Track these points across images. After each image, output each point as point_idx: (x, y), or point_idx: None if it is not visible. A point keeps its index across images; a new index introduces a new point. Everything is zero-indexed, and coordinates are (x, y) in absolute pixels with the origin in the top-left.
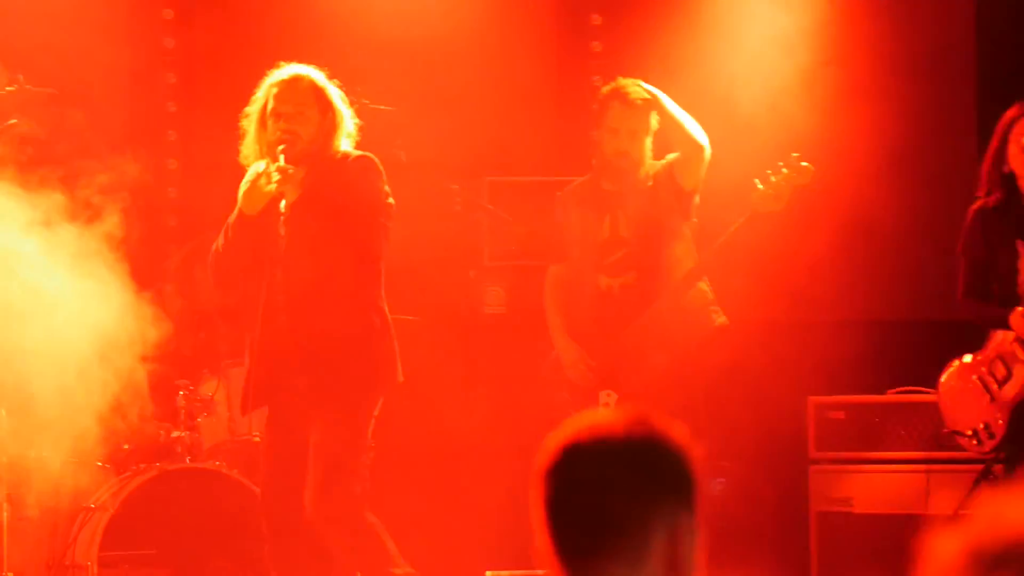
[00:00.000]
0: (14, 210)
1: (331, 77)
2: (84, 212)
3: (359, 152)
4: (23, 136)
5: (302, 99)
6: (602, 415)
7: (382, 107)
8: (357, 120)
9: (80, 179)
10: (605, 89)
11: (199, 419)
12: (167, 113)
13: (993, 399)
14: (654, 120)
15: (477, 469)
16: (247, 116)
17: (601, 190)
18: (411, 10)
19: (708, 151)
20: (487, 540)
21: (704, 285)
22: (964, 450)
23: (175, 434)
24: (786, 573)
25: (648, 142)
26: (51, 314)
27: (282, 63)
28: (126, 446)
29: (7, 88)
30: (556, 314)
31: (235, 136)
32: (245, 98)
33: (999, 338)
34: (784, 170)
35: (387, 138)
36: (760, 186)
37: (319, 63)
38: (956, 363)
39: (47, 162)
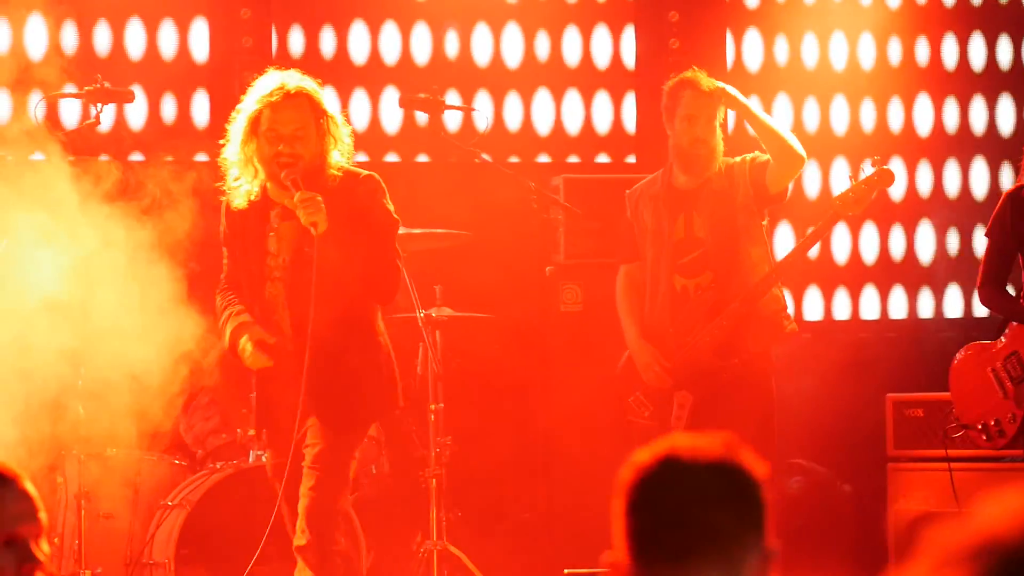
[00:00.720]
0: (93, 209)
1: (405, 76)
2: (160, 210)
3: (362, 170)
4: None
5: (303, 117)
6: (691, 438)
7: (460, 106)
8: (350, 129)
9: (155, 176)
10: (672, 81)
11: None
12: None
13: (1006, 396)
14: (722, 112)
15: (552, 467)
16: (234, 120)
17: (674, 188)
18: (488, 8)
19: (806, 160)
20: (564, 538)
21: (778, 290)
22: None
23: (251, 432)
24: (864, 572)
25: (720, 131)
26: (126, 313)
27: (270, 68)
28: (200, 452)
29: (86, 88)
30: (629, 315)
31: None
32: (327, 96)
33: (1016, 332)
34: (866, 173)
35: (466, 137)
36: (847, 185)
37: (396, 63)
38: (970, 351)
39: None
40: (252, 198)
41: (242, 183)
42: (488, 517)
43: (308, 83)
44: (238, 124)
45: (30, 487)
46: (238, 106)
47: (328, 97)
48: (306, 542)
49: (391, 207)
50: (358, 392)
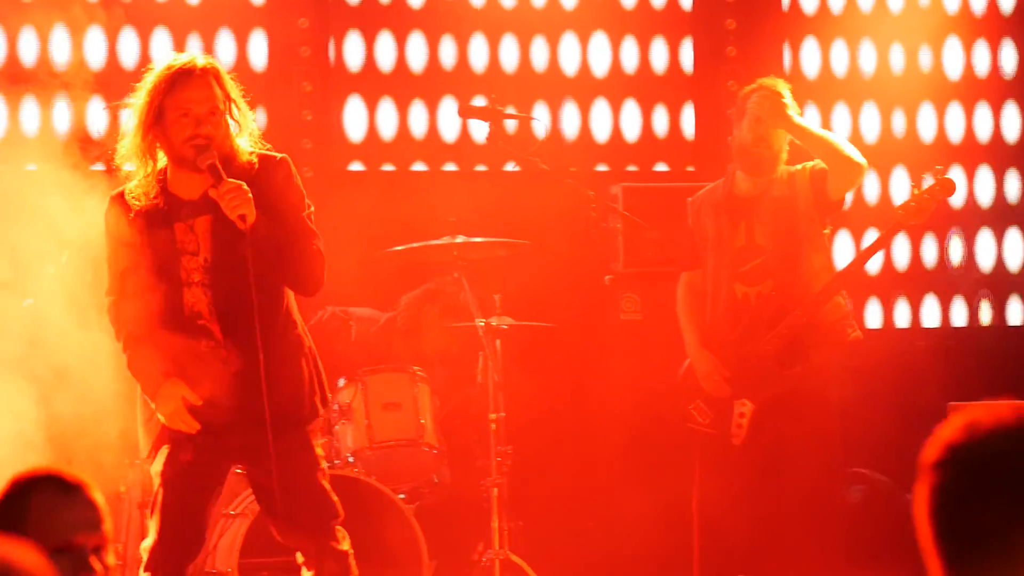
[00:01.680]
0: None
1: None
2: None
3: (276, 153)
4: None
5: (214, 96)
6: (982, 408)
7: (518, 115)
8: (253, 115)
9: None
10: (747, 88)
11: (337, 426)
12: (303, 121)
13: None
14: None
15: (613, 475)
16: (130, 108)
17: (735, 196)
18: (546, 17)
19: (867, 168)
20: (625, 546)
21: (840, 298)
22: None
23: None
24: None
25: (785, 137)
26: None
27: (172, 51)
28: None
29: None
30: (690, 322)
31: (363, 149)
32: (386, 105)
33: None
34: (927, 183)
35: (523, 143)
36: (904, 198)
37: (453, 71)
38: None
39: None
40: (153, 194)
41: (140, 177)
42: (550, 526)
43: (216, 62)
44: (136, 109)
45: (98, 497)
46: (133, 90)
47: (231, 79)
48: None
49: (303, 189)
50: (297, 396)
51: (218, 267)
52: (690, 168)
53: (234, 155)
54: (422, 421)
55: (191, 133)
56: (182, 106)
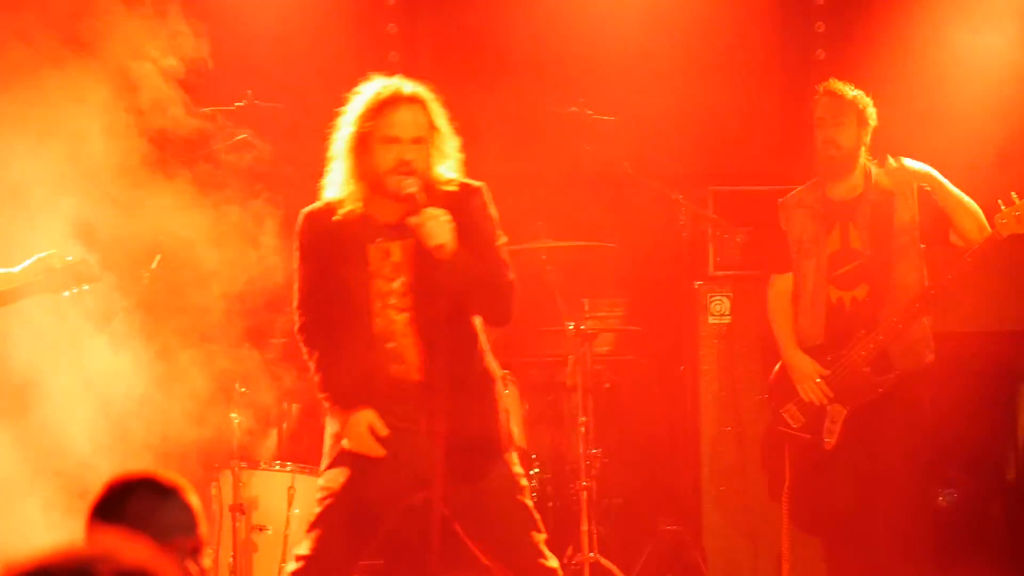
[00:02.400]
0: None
1: (551, 86)
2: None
3: (471, 181)
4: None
5: (420, 124)
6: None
7: (606, 117)
8: (458, 142)
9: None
10: (820, 89)
11: None
12: None
13: None
14: (868, 121)
15: (702, 478)
16: (337, 129)
17: (829, 199)
18: (635, 19)
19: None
20: (716, 549)
21: (926, 319)
22: None
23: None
24: None
25: (860, 136)
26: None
27: (373, 75)
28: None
29: (236, 103)
30: (783, 326)
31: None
32: (471, 113)
33: None
34: None
35: (611, 149)
36: (1004, 208)
37: (540, 73)
38: None
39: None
40: (351, 215)
41: (340, 197)
42: (639, 529)
43: (422, 89)
44: (344, 132)
45: (194, 500)
46: (340, 111)
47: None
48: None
49: (497, 218)
50: (493, 425)
51: (414, 292)
52: (779, 171)
53: (435, 182)
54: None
55: (396, 160)
56: (388, 133)
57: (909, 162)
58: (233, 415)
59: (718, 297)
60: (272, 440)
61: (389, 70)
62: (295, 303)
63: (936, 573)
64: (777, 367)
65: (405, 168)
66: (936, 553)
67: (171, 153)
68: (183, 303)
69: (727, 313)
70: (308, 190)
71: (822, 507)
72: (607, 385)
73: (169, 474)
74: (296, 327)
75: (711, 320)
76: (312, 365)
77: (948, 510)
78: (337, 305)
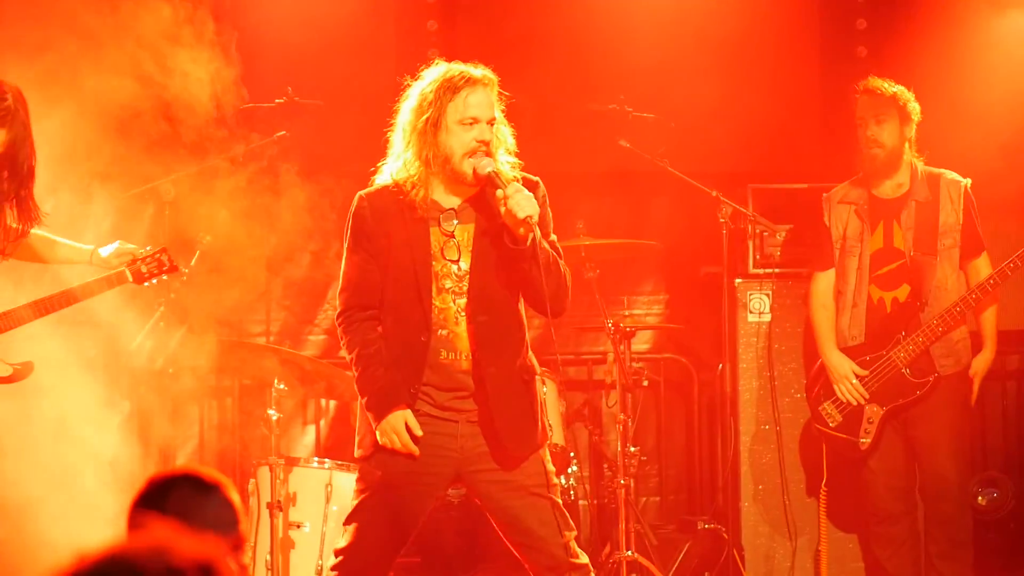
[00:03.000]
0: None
1: (590, 85)
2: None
3: (529, 175)
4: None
5: (492, 104)
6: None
7: (646, 115)
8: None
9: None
10: (860, 87)
11: None
12: None
13: None
14: (911, 116)
15: (743, 477)
16: (405, 113)
17: (874, 197)
18: (674, 16)
19: None
20: (752, 547)
21: (965, 326)
22: None
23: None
24: None
25: (903, 132)
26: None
27: (439, 60)
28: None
29: (276, 100)
30: (823, 324)
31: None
32: (510, 110)
33: None
34: None
35: (650, 146)
36: None
37: (580, 69)
38: None
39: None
40: (413, 197)
41: (402, 178)
42: (677, 527)
43: (490, 72)
44: (411, 114)
45: (234, 497)
46: (407, 95)
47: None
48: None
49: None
50: (532, 419)
51: (475, 276)
52: (819, 169)
53: (499, 170)
54: (548, 421)
55: (474, 141)
56: (467, 114)
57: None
58: (271, 411)
59: (757, 295)
60: (310, 437)
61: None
62: (340, 288)
63: (976, 572)
64: (817, 365)
65: (482, 148)
66: (976, 552)
67: (212, 149)
68: (222, 298)
69: (766, 311)
70: (348, 185)
71: (859, 505)
72: (646, 383)
73: (210, 471)
74: (338, 313)
75: (750, 318)
76: (351, 356)
77: (988, 510)
78: (392, 290)
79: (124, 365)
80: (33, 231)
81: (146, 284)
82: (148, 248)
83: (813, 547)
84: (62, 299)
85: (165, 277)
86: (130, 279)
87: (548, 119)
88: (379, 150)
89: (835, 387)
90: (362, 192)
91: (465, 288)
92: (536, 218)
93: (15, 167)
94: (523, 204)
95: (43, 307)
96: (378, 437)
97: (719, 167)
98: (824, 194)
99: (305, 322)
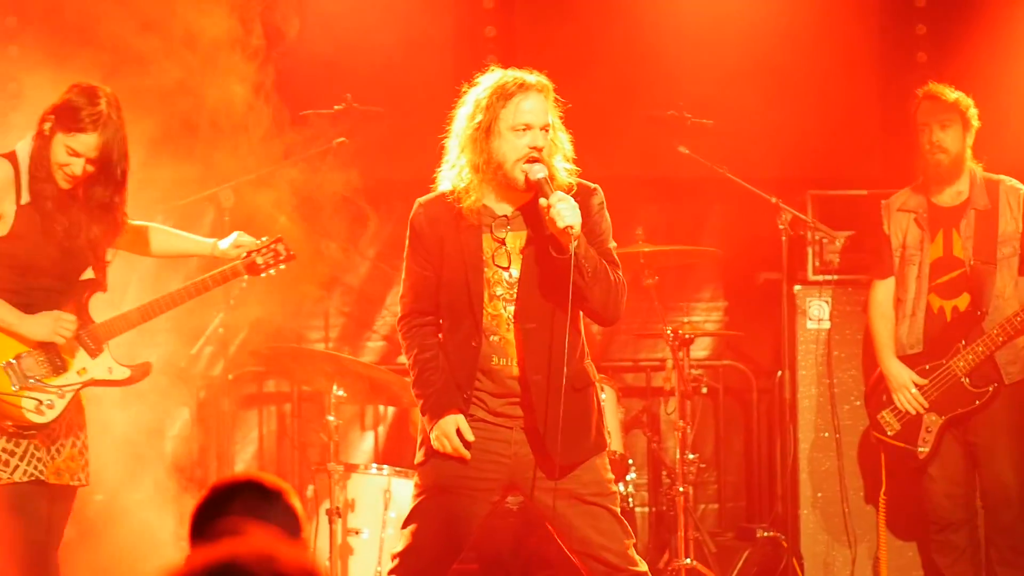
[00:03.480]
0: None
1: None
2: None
3: (587, 182)
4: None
5: (546, 110)
6: None
7: (704, 121)
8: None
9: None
10: (920, 93)
11: None
12: None
13: None
14: (971, 123)
15: (802, 484)
16: (460, 120)
17: (934, 205)
18: (733, 22)
19: None
20: (811, 555)
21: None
22: None
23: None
24: None
25: (964, 139)
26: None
27: (495, 67)
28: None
29: (336, 106)
30: (884, 332)
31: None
32: (569, 116)
33: None
34: None
35: (709, 152)
36: None
37: (638, 75)
38: None
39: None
40: (468, 205)
41: (457, 187)
42: (736, 535)
43: (545, 78)
44: (467, 122)
45: (296, 503)
46: (462, 102)
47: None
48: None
49: (610, 222)
50: (587, 427)
51: (525, 284)
52: (878, 175)
53: (554, 176)
54: (607, 429)
55: (527, 148)
56: (520, 120)
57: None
58: (330, 418)
59: (817, 301)
60: (368, 443)
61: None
62: (400, 293)
63: None
64: (877, 372)
65: (535, 154)
66: None
67: (271, 156)
68: (281, 305)
69: (826, 318)
70: (406, 192)
71: (919, 513)
72: (705, 390)
73: (272, 477)
74: (398, 318)
75: (809, 325)
76: (408, 361)
77: None
78: (447, 296)
79: (184, 371)
80: (150, 224)
81: (263, 275)
82: (264, 239)
83: (872, 555)
84: (176, 297)
85: (283, 267)
86: (244, 273)
87: (606, 125)
88: (437, 157)
89: (894, 396)
90: (420, 199)
91: (515, 295)
92: (577, 228)
93: (109, 172)
94: (564, 213)
95: (158, 306)
96: (432, 441)
97: (778, 173)
98: (883, 201)
99: (364, 328)
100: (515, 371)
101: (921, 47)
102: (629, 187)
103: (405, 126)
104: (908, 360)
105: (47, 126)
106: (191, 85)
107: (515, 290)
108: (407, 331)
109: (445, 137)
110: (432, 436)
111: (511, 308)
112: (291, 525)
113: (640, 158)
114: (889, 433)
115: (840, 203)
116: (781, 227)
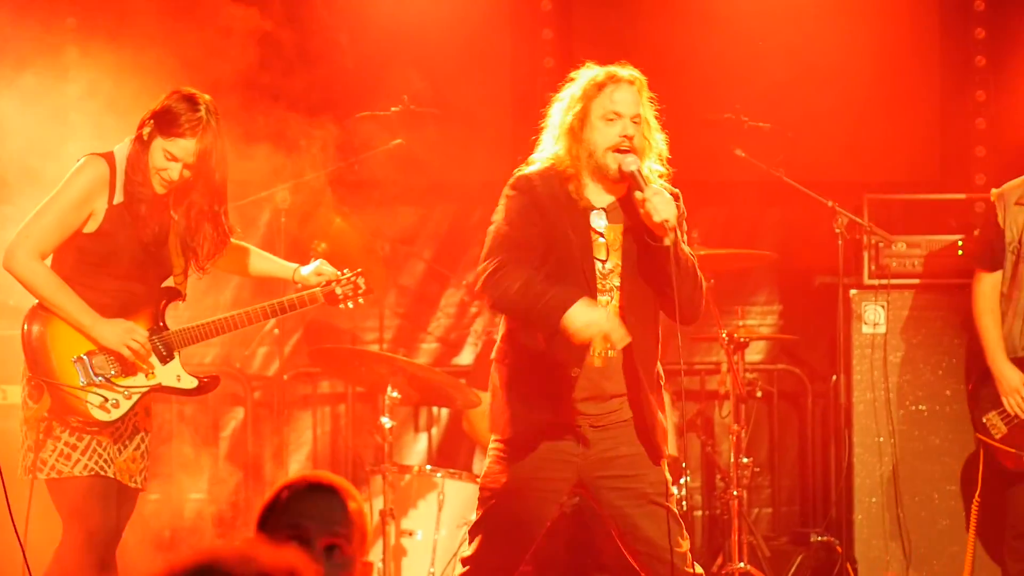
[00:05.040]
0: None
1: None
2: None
3: (669, 186)
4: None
5: (637, 102)
6: None
7: (761, 124)
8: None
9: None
10: None
11: None
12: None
13: None
14: None
15: (856, 489)
16: (556, 114)
17: None
18: (790, 25)
19: None
20: (870, 559)
21: None
22: None
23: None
24: None
25: None
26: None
27: (590, 64)
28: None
29: (392, 108)
30: (992, 330)
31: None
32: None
33: None
34: None
35: (766, 156)
36: None
37: (695, 78)
38: None
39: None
40: (563, 195)
41: (561, 177)
42: (790, 539)
43: (638, 73)
44: (561, 113)
45: (353, 498)
46: (558, 96)
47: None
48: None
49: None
50: (658, 428)
51: (624, 276)
52: (935, 178)
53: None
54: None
55: (617, 136)
56: (610, 109)
57: None
58: (384, 419)
59: (872, 306)
60: (422, 444)
61: (544, 76)
62: (486, 251)
63: None
64: (981, 371)
65: (627, 144)
66: None
67: (328, 156)
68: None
69: (881, 322)
70: (462, 193)
71: (1014, 518)
72: (759, 393)
73: (328, 475)
74: (489, 271)
75: (865, 329)
76: (517, 287)
77: None
78: (556, 268)
79: (239, 371)
80: (239, 242)
81: (340, 307)
82: (346, 272)
83: (928, 560)
84: (252, 316)
85: (361, 300)
86: (322, 301)
87: (663, 128)
88: (492, 158)
89: (1004, 399)
90: (522, 171)
91: (608, 287)
92: (673, 222)
93: (208, 180)
94: (659, 207)
95: (233, 322)
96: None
97: (835, 177)
98: (994, 190)
99: (418, 330)
100: (599, 363)
101: (980, 51)
102: (686, 190)
103: (461, 127)
104: (1019, 363)
105: (146, 131)
106: (248, 87)
107: (609, 281)
108: (505, 270)
109: (501, 137)
110: (575, 323)
111: (603, 299)
112: (348, 519)
113: (697, 161)
114: (995, 435)
115: (897, 207)
116: (837, 231)
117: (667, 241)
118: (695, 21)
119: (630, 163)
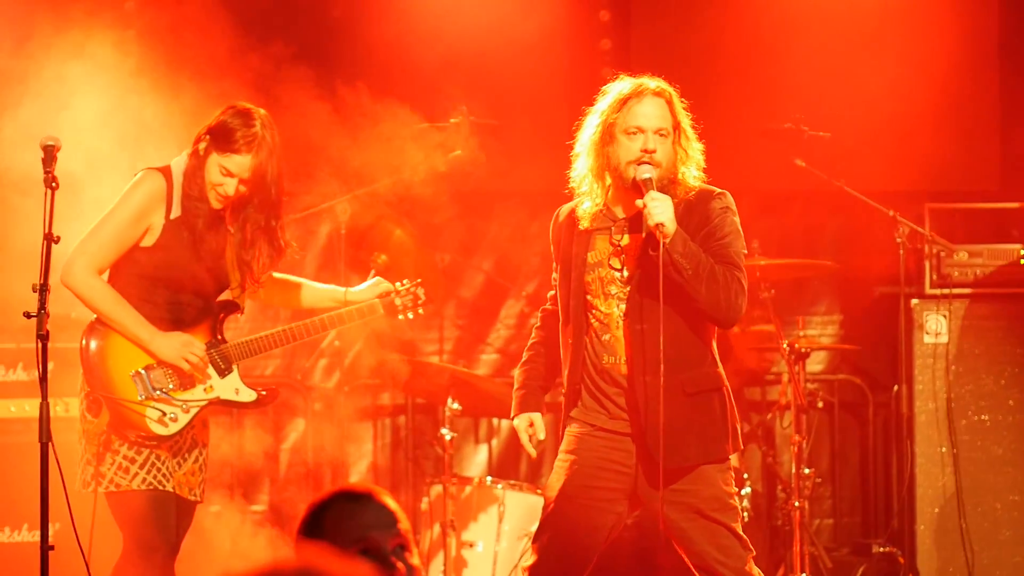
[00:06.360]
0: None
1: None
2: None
3: (715, 188)
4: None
5: (664, 117)
6: None
7: (821, 133)
8: (701, 146)
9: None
10: None
11: None
12: None
13: None
14: None
15: (919, 500)
16: (585, 127)
17: None
18: (851, 35)
19: None
20: (928, 571)
21: None
22: None
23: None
24: None
25: None
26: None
27: (622, 75)
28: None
29: (452, 119)
30: None
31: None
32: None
33: None
34: None
35: (826, 165)
36: None
37: (755, 87)
38: None
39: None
40: (595, 210)
41: (588, 195)
42: (852, 550)
43: (667, 85)
44: (589, 129)
45: (388, 501)
46: (590, 111)
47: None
48: None
49: (740, 228)
50: (704, 434)
51: (635, 284)
52: (997, 188)
53: (675, 180)
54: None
55: (639, 150)
56: (632, 123)
57: None
58: (444, 430)
59: (934, 315)
60: (482, 456)
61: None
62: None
63: None
64: None
65: (645, 156)
66: None
67: (386, 169)
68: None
69: (943, 332)
70: (521, 205)
71: None
72: (820, 404)
73: (360, 483)
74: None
75: (926, 339)
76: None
77: None
78: (563, 295)
79: (300, 383)
80: (287, 277)
81: (399, 318)
82: (404, 283)
83: (990, 571)
84: (311, 328)
85: (421, 311)
86: (381, 312)
87: (723, 138)
88: (551, 168)
89: None
90: (562, 208)
91: (627, 295)
92: (669, 226)
93: (264, 195)
94: (653, 211)
95: (291, 335)
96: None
97: (896, 186)
98: None
99: (478, 341)
100: (624, 369)
101: None
102: (745, 200)
103: (520, 138)
104: None
105: (202, 146)
106: (304, 99)
107: (627, 289)
108: (533, 330)
109: (560, 148)
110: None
111: (623, 307)
112: (384, 519)
113: (757, 171)
114: None
115: (959, 217)
116: (898, 240)
117: (662, 244)
118: (753, 31)
119: (643, 172)
